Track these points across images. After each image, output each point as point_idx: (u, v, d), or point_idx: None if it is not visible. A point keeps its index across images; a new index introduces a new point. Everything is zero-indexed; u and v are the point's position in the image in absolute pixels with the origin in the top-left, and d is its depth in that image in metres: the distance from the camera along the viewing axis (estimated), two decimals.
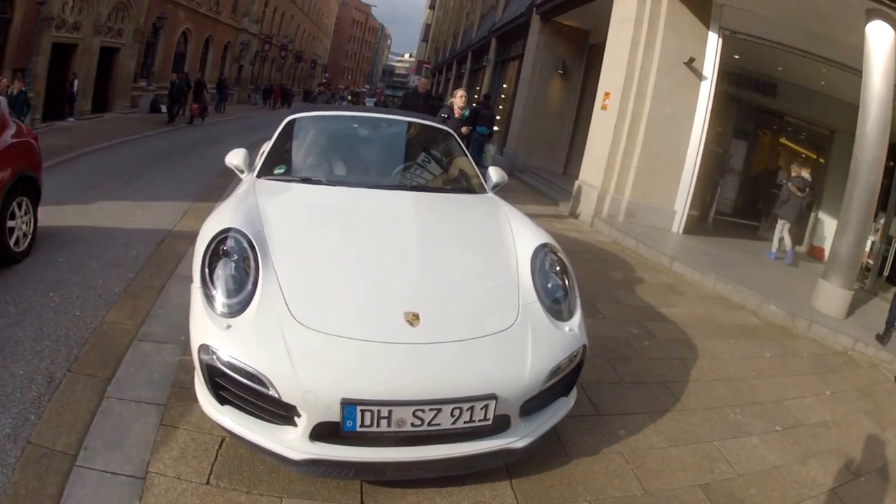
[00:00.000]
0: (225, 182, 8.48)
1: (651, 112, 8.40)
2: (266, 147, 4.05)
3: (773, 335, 5.33)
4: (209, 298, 2.44)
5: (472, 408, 2.20)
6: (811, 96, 10.49)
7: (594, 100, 13.89)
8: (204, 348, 2.31)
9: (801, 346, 5.22)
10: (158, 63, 23.61)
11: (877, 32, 6.31)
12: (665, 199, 8.87)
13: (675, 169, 8.80)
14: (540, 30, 13.80)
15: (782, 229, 8.76)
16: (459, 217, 3.57)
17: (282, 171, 3.72)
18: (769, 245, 9.14)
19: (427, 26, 59.65)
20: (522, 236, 3.12)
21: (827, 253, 9.88)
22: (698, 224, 9.61)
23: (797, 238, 9.84)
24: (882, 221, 6.81)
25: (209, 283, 2.49)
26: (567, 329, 2.63)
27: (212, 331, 2.32)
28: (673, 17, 8.14)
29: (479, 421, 2.23)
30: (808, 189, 8.83)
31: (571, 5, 11.82)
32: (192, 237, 5.49)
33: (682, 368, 4.04)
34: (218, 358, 2.26)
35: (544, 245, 3.03)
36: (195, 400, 2.53)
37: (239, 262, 2.55)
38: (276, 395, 2.17)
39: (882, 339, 5.50)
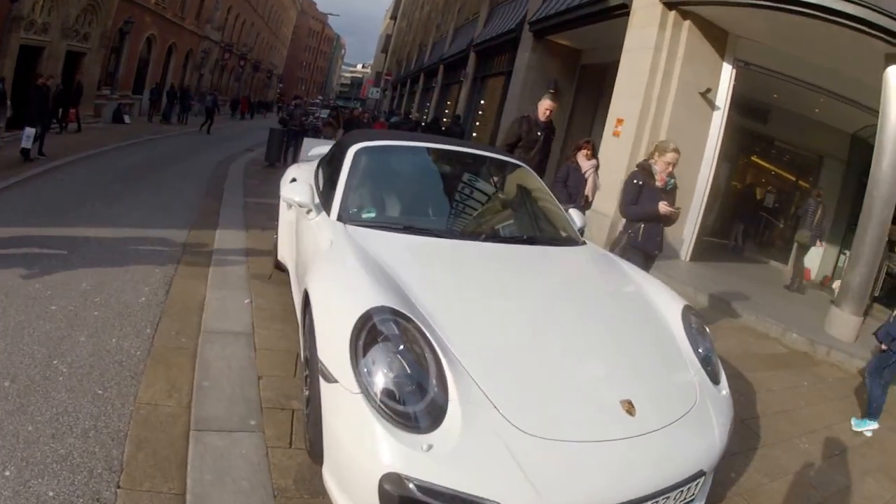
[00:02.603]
0: (214, 204, 7.89)
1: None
2: (338, 186, 3.36)
3: (801, 363, 5.71)
4: (381, 409, 1.88)
5: (686, 489, 2.12)
6: (805, 124, 10.90)
7: (586, 121, 14.18)
8: (392, 479, 1.79)
9: (826, 371, 5.63)
10: (122, 70, 22.44)
11: (893, 74, 6.60)
12: (676, 227, 8.82)
13: (685, 198, 8.67)
14: (532, 47, 13.60)
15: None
16: (592, 277, 3.27)
17: (371, 215, 3.20)
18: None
19: (388, 37, 58.52)
20: (662, 298, 3.04)
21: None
22: (703, 250, 9.76)
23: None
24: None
25: (373, 387, 1.91)
26: (723, 392, 2.61)
27: (403, 454, 1.81)
28: (691, 48, 8.10)
29: (685, 500, 2.16)
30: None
31: (569, 25, 11.65)
32: (203, 275, 4.81)
33: (748, 404, 4.25)
34: (422, 488, 1.77)
35: (688, 307, 2.97)
36: None
37: (407, 354, 2.00)
38: None
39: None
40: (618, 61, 12.22)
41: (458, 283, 2.73)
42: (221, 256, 5.43)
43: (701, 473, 2.14)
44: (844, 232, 11.19)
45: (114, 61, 21.94)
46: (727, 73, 8.44)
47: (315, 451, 2.23)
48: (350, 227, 3.01)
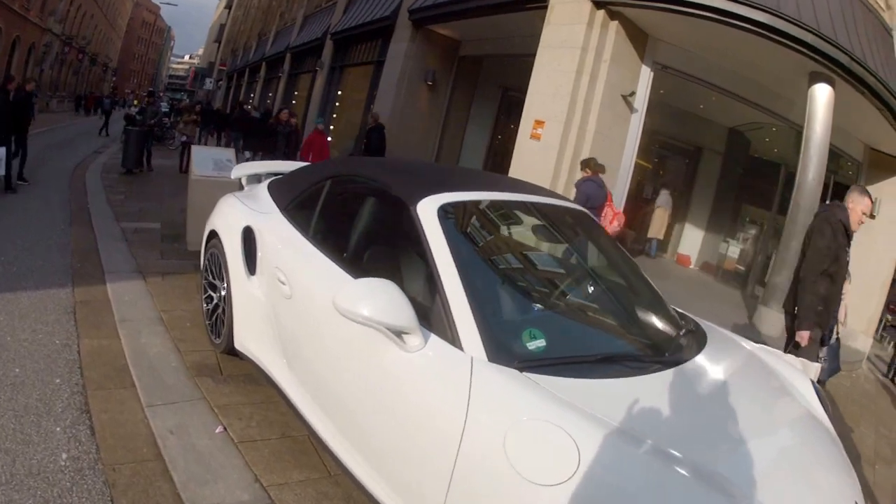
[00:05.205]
0: (87, 236, 6.16)
1: (593, 146, 7.90)
2: (445, 291, 2.02)
3: None
4: None
5: None
6: (687, 119, 11.41)
7: (462, 115, 13.63)
8: None
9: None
10: None
11: (819, 91, 7.20)
12: None
13: None
14: (411, 36, 12.70)
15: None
16: (755, 377, 2.55)
17: (541, 344, 2.02)
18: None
19: (221, 26, 54.79)
20: (790, 374, 2.64)
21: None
22: None
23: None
24: None
25: None
26: None
27: None
28: (617, 49, 7.79)
29: None
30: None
31: (462, 15, 10.71)
32: (126, 380, 3.23)
33: None
34: None
35: (812, 380, 2.66)
36: None
37: None
38: None
39: None
40: (496, 54, 11.94)
41: (754, 464, 1.80)
42: (133, 338, 3.80)
43: None
44: (728, 220, 11.94)
45: None
46: (646, 75, 8.29)
47: None
48: (536, 377, 1.80)
